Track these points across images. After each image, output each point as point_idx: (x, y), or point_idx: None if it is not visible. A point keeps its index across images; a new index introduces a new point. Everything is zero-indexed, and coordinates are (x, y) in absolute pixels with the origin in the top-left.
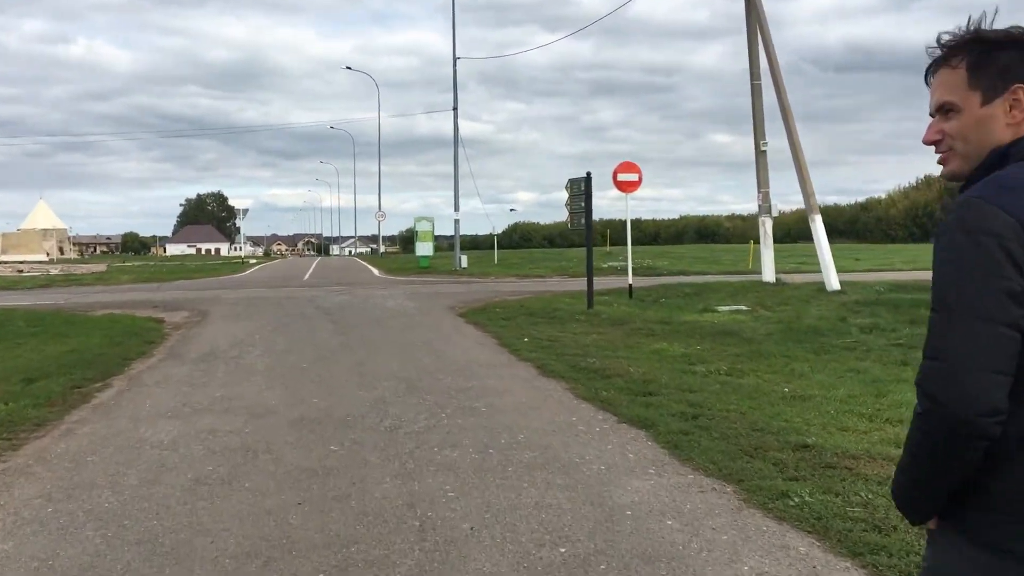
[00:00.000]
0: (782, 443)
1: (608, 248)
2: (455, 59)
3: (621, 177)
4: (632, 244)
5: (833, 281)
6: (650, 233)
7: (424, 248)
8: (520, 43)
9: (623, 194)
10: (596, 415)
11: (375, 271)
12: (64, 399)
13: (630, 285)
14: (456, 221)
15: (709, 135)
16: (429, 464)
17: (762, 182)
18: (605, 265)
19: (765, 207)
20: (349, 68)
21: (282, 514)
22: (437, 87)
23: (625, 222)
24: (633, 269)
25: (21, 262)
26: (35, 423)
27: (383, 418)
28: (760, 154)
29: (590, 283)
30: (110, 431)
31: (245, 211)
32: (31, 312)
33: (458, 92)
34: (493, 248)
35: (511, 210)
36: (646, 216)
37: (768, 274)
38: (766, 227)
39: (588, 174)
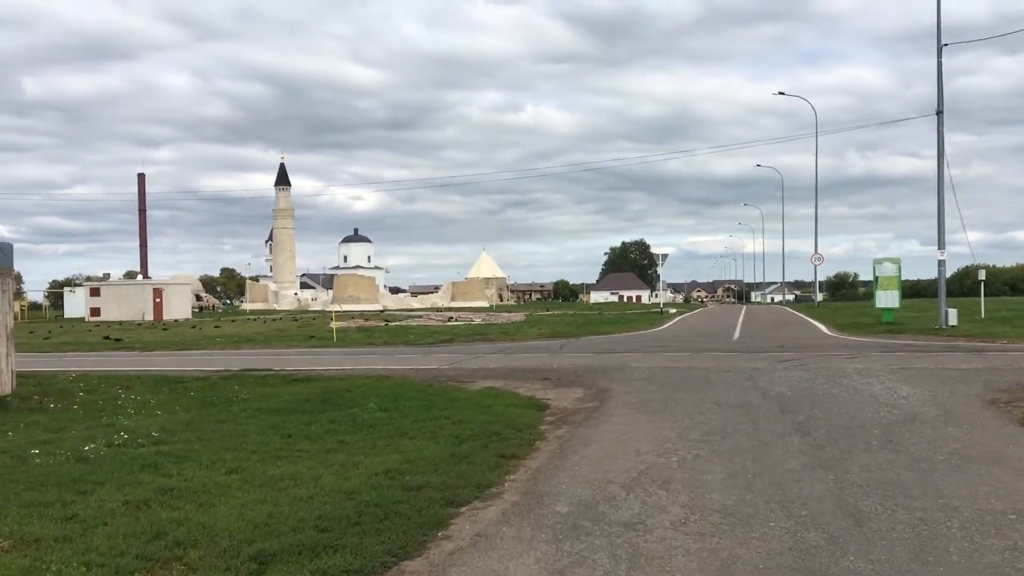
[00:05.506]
0: None
1: None
2: (940, 47)
3: None
4: None
5: None
6: None
7: (888, 298)
8: (971, 70)
9: None
10: None
11: (821, 327)
12: None
13: None
14: (941, 263)
15: None
16: None
17: None
18: None
19: None
20: (782, 93)
21: None
22: (872, 124)
23: None
24: None
25: (464, 308)
26: None
27: None
28: None
29: None
30: None
31: (664, 256)
32: (399, 384)
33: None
34: (980, 296)
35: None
36: None
37: None
38: None
39: None
